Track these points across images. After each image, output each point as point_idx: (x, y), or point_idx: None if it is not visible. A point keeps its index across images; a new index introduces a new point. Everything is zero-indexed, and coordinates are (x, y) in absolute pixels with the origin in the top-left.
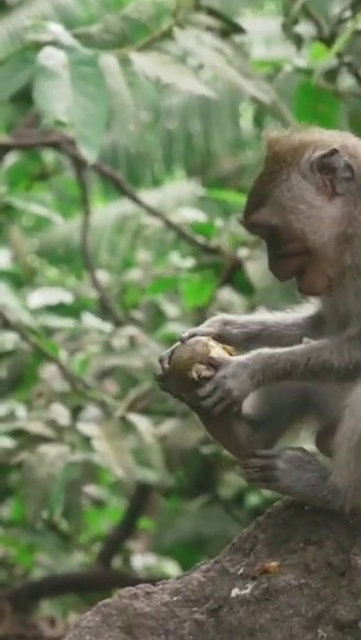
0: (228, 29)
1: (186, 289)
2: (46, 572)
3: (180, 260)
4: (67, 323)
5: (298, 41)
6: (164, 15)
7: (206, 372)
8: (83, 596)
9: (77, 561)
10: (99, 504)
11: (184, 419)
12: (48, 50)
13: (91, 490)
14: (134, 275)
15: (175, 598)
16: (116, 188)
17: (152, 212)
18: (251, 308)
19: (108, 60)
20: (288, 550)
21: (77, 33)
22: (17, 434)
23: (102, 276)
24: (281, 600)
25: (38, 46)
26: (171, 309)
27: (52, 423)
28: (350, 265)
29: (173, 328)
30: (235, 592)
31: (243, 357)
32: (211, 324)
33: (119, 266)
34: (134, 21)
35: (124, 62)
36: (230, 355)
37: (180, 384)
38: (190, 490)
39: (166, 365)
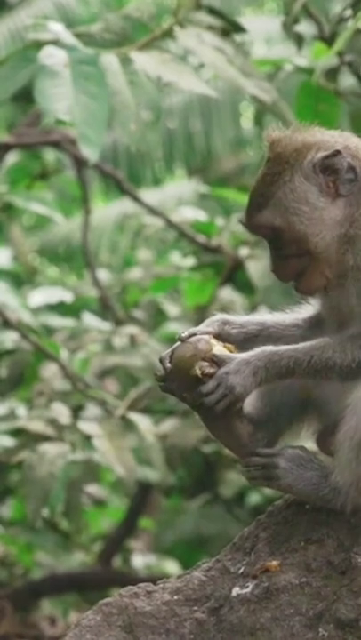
0: (229, 28)
1: (186, 288)
2: (47, 571)
3: (181, 260)
4: (67, 322)
5: (298, 40)
6: (165, 14)
7: (209, 370)
8: (83, 596)
9: (78, 560)
10: (99, 503)
11: (185, 418)
12: (49, 49)
13: (91, 489)
14: (135, 274)
15: (176, 597)
16: (117, 187)
17: (153, 211)
18: (251, 308)
19: (109, 59)
20: (289, 549)
21: (78, 32)
22: (17, 433)
23: (103, 275)
24: (282, 599)
25: (39, 45)
26: (171, 308)
27: (52, 422)
28: (353, 265)
29: (174, 327)
30: (235, 591)
31: (246, 354)
32: (210, 324)
33: (120, 265)
34: (135, 20)
35: (125, 61)
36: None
37: (182, 382)
38: (191, 489)
39: (168, 365)
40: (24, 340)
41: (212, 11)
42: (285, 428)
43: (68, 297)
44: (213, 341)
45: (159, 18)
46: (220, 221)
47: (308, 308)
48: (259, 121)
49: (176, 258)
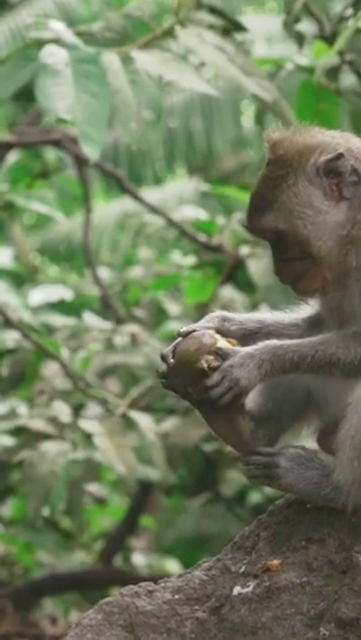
0: (230, 27)
1: (187, 287)
2: (48, 570)
3: (182, 258)
4: (68, 320)
5: (299, 39)
6: (166, 13)
7: (215, 363)
8: (84, 595)
9: (79, 559)
10: (100, 502)
11: (186, 416)
12: (50, 48)
13: (92, 487)
14: (136, 272)
15: (177, 596)
16: (118, 185)
17: (154, 209)
18: (252, 306)
19: (110, 58)
20: (290, 548)
21: (79, 31)
22: (18, 431)
23: (104, 273)
24: (283, 598)
25: (40, 44)
26: (172, 307)
27: (53, 421)
28: (355, 266)
29: (175, 326)
30: (236, 590)
31: (250, 348)
32: (209, 320)
33: (121, 263)
34: (136, 19)
35: (126, 60)
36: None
37: (187, 377)
38: (192, 488)
39: (171, 361)
40: (25, 339)
41: (213, 10)
42: (287, 425)
43: (68, 296)
44: (217, 336)
45: (160, 17)
46: (220, 220)
47: (307, 308)
48: (260, 120)
49: (177, 256)
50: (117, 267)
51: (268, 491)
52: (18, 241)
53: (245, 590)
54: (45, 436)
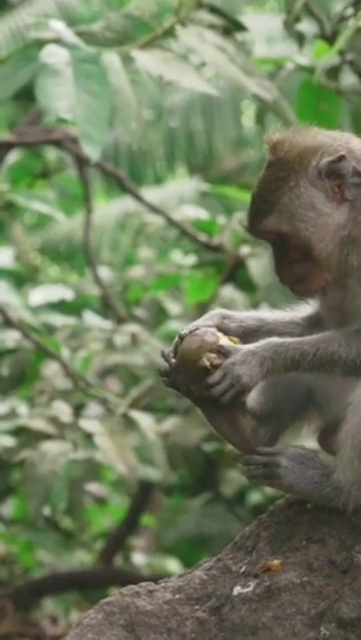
0: (230, 27)
1: (188, 286)
2: (48, 569)
3: (182, 258)
4: (69, 320)
5: (300, 39)
6: (166, 13)
7: (217, 361)
8: (85, 594)
9: (79, 559)
10: (101, 501)
11: (186, 416)
12: (50, 47)
13: (93, 487)
14: (136, 272)
15: (177, 596)
16: (119, 185)
17: (154, 209)
18: (253, 306)
19: (111, 58)
20: (290, 548)
21: (80, 31)
22: (19, 431)
23: (104, 273)
24: (283, 598)
25: (41, 44)
26: (173, 307)
27: (54, 420)
28: (356, 266)
29: (175, 325)
30: (237, 590)
31: (252, 345)
32: (209, 318)
33: (121, 263)
34: (136, 19)
35: (127, 60)
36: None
37: (189, 375)
38: (192, 487)
39: (173, 361)
40: (25, 339)
41: (214, 9)
42: (288, 424)
43: (69, 295)
44: (219, 334)
45: (160, 16)
46: (221, 220)
47: (307, 307)
48: (260, 119)
49: (177, 256)
50: (118, 266)
51: (269, 491)
52: (18, 241)
53: (246, 590)
54: (46, 436)
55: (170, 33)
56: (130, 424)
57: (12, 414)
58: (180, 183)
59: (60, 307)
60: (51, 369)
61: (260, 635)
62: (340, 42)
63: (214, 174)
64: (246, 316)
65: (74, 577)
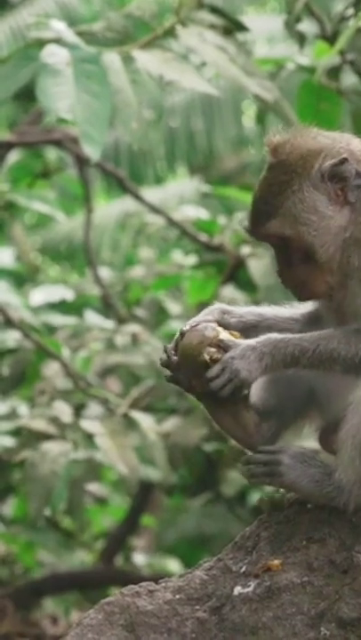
0: (231, 27)
1: (188, 286)
2: (48, 569)
3: (183, 258)
4: (69, 320)
5: (300, 39)
6: (167, 13)
7: (217, 355)
8: (85, 594)
9: (79, 559)
10: (101, 501)
11: (187, 416)
12: (51, 47)
13: (93, 487)
14: (137, 272)
15: (178, 596)
16: (119, 185)
17: (154, 209)
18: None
19: (111, 58)
20: (291, 548)
21: (80, 31)
22: (19, 431)
23: (105, 273)
24: (284, 598)
25: (41, 44)
26: (173, 307)
27: (54, 421)
28: (357, 267)
29: (176, 325)
30: (237, 590)
31: (252, 340)
32: (209, 313)
33: (121, 263)
34: (137, 19)
35: (127, 60)
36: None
37: (190, 369)
38: (193, 487)
39: (174, 358)
40: (26, 339)
41: (214, 9)
42: (289, 422)
43: (69, 295)
44: (220, 329)
45: (161, 16)
46: (221, 220)
47: (306, 304)
48: (261, 120)
49: (178, 256)
50: (118, 266)
51: (269, 491)
52: (19, 241)
53: (246, 590)
54: (46, 436)
55: (170, 33)
56: (130, 424)
57: (13, 414)
58: (181, 183)
59: (61, 307)
60: (51, 369)
61: (261, 635)
62: (341, 42)
63: (215, 174)
64: (246, 311)
65: (74, 577)
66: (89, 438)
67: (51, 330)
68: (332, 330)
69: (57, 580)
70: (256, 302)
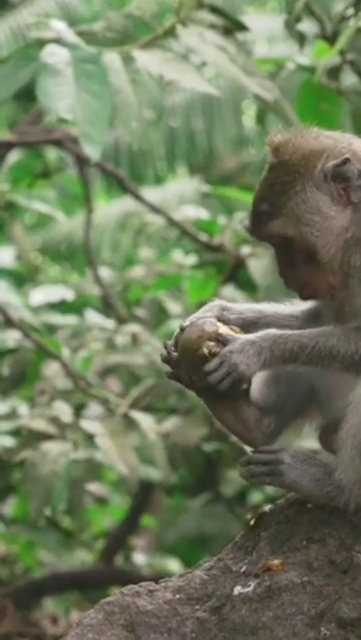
0: (231, 27)
1: (189, 286)
2: (48, 569)
3: (183, 258)
4: (69, 320)
5: (301, 39)
6: (167, 13)
7: (216, 349)
8: (85, 594)
9: (80, 558)
10: (101, 501)
11: (187, 416)
12: (51, 47)
13: (93, 487)
14: (137, 272)
15: (178, 596)
16: (119, 185)
17: (155, 209)
18: None
19: (111, 58)
20: (291, 548)
21: (80, 30)
22: (19, 431)
23: (105, 273)
24: (284, 598)
25: (41, 44)
26: (173, 307)
27: (54, 421)
28: (359, 267)
29: (176, 325)
30: (237, 590)
31: (251, 335)
32: (209, 309)
33: (122, 263)
34: (137, 19)
35: (127, 60)
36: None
37: (189, 364)
38: (193, 487)
39: (174, 354)
40: (26, 339)
41: (215, 9)
42: (290, 420)
43: (69, 295)
44: (219, 323)
45: (161, 16)
46: (222, 220)
47: (306, 302)
48: (261, 119)
49: (178, 256)
50: (118, 266)
51: (269, 490)
52: (19, 240)
53: (246, 590)
54: (46, 436)
55: (170, 33)
56: (130, 424)
57: (13, 414)
58: (181, 183)
59: (61, 307)
60: (51, 369)
61: (261, 635)
62: (341, 42)
63: (215, 174)
64: (245, 308)
65: (74, 577)
66: (89, 438)
67: (51, 330)
68: (331, 327)
69: (57, 579)
70: (256, 302)
